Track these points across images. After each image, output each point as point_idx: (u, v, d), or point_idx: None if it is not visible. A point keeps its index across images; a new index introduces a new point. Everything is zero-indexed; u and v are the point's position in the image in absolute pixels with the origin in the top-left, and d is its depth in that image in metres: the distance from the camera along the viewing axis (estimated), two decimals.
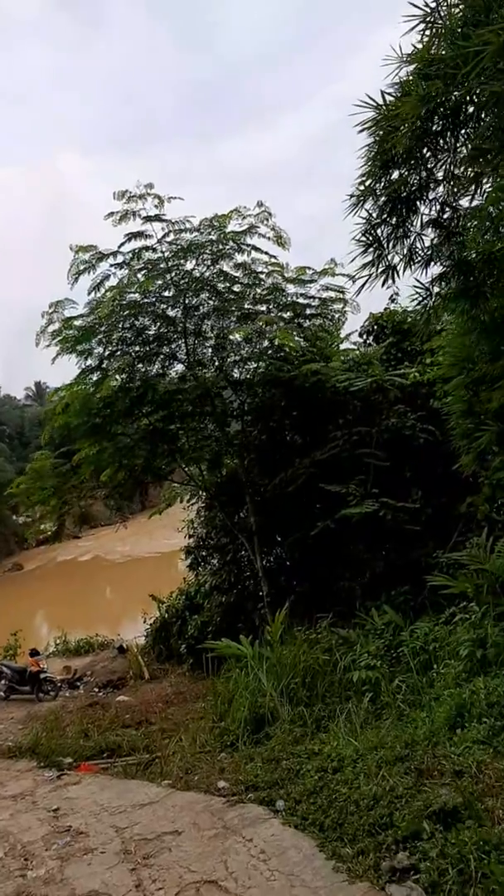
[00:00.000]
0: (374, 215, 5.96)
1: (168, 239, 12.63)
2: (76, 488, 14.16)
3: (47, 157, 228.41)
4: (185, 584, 17.51)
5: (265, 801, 6.51)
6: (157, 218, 12.30)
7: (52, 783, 8.80)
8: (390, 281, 6.35)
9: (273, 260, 13.53)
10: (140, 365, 13.74)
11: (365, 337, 14.88)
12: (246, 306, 13.70)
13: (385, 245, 6.11)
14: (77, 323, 12.80)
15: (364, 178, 5.69)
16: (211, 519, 16.30)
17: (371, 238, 6.08)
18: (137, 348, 13.58)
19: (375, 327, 14.50)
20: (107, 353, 13.37)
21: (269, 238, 13.29)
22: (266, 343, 13.82)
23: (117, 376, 13.27)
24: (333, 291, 14.07)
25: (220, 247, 13.02)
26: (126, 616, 41.02)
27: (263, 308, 13.81)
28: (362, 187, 5.77)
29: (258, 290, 13.78)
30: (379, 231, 6.06)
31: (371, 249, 6.13)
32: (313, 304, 14.26)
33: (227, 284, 13.57)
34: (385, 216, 5.94)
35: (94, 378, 13.41)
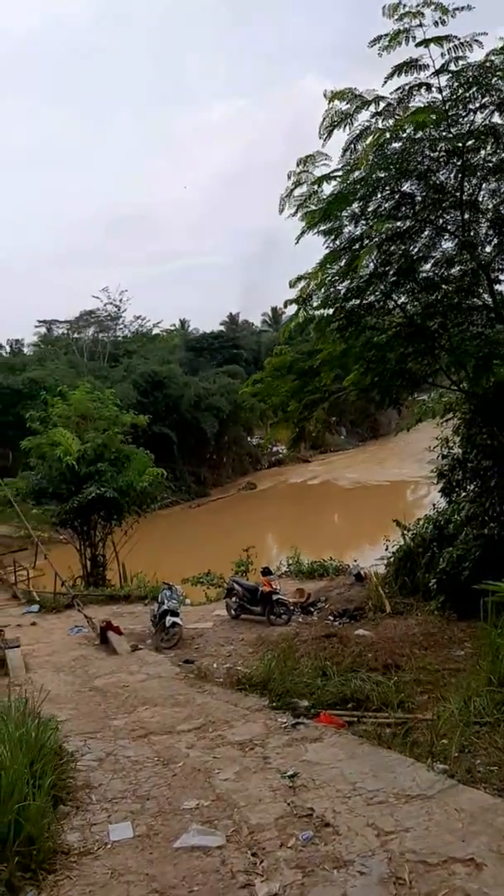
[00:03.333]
0: None
1: (452, 68, 9.77)
2: (318, 390, 12.25)
3: (285, 82, 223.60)
4: (434, 510, 15.25)
5: None
6: (437, 40, 9.48)
7: (286, 733, 7.23)
8: None
9: None
10: (398, 244, 11.29)
11: None
12: None
13: None
14: (327, 188, 10.63)
15: None
16: (471, 437, 13.75)
17: None
18: (398, 224, 11.12)
19: None
20: (358, 230, 11.09)
21: None
22: None
23: (370, 257, 10.98)
24: None
25: None
26: (353, 542, 39.87)
27: None
28: None
29: None
30: None
31: None
32: None
33: None
34: None
35: (343, 262, 11.27)
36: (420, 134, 9.93)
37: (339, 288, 11.51)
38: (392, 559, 15.73)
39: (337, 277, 11.36)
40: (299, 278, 11.73)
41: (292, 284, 11.92)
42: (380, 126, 10.30)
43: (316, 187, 10.55)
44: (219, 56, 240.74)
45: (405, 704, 7.90)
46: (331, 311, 11.79)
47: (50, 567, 20.01)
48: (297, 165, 10.58)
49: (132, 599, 18.77)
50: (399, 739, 6.58)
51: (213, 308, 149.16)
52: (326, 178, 10.36)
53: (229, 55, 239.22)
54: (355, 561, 19.60)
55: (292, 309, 12.08)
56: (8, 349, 78.93)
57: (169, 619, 13.56)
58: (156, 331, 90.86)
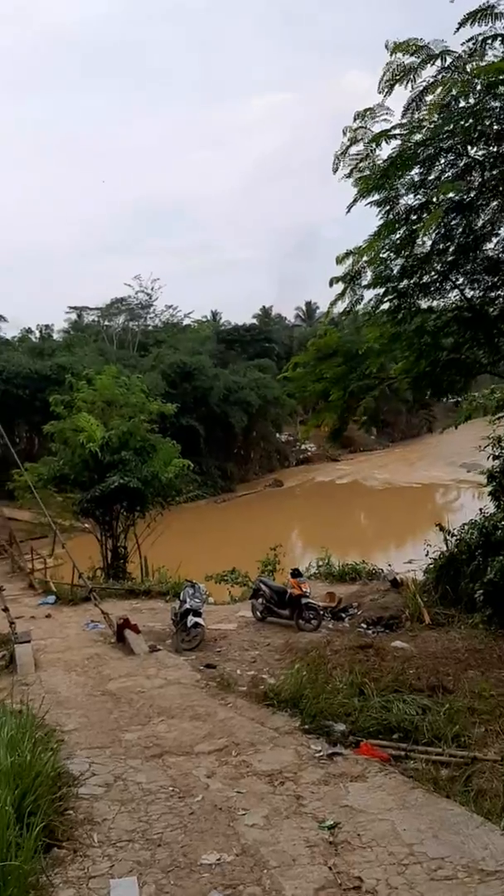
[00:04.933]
0: None
1: None
2: (366, 377, 11.14)
3: (328, 77, 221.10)
4: (480, 515, 14.09)
5: None
6: None
7: (321, 765, 6.25)
8: None
9: None
10: (461, 218, 10.16)
11: None
12: None
13: None
14: (384, 153, 9.53)
15: None
16: None
17: None
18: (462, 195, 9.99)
19: None
20: (417, 201, 10.01)
21: None
22: None
23: (429, 231, 9.87)
24: None
25: None
26: (380, 544, 38.79)
27: None
28: None
29: None
30: None
31: None
32: None
33: None
34: None
35: (398, 236, 10.20)
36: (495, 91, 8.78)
37: (392, 265, 10.43)
38: (432, 566, 14.59)
39: (391, 253, 10.29)
40: (348, 254, 10.67)
41: (339, 260, 10.88)
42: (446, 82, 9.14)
43: (374, 146, 9.44)
44: (262, 50, 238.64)
45: (461, 739, 6.82)
46: (381, 290, 10.71)
47: (69, 557, 19.21)
48: (355, 120, 9.48)
49: (153, 595, 17.87)
50: (460, 786, 5.54)
51: (245, 301, 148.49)
52: (385, 135, 9.23)
53: (273, 49, 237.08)
54: (389, 565, 18.49)
55: (338, 288, 11.05)
56: (37, 334, 78.61)
57: (191, 619, 12.62)
58: (187, 321, 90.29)
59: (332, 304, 11.11)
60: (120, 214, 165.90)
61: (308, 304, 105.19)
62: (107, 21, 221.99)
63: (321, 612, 13.69)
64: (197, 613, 12.76)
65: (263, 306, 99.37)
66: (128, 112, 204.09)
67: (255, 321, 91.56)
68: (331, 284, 11.19)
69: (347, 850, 4.55)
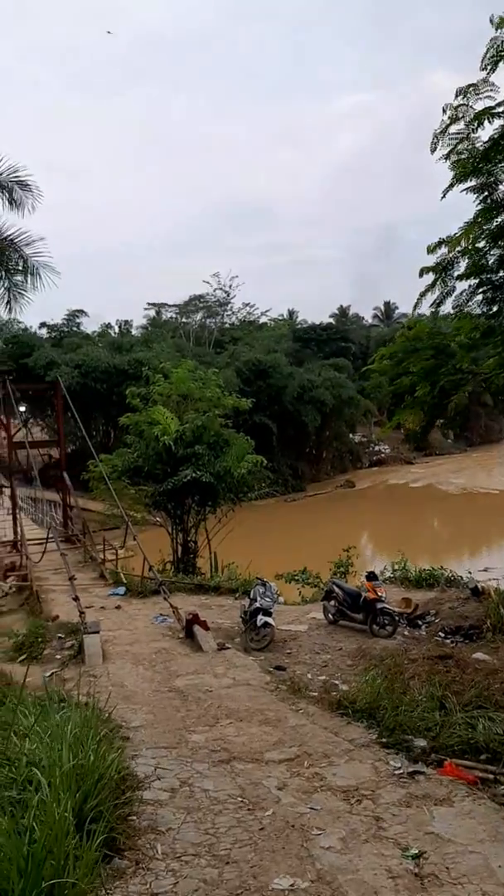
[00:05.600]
0: None
1: None
2: (458, 371, 10.45)
3: (413, 78, 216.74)
4: None
5: None
6: None
7: (402, 783, 5.78)
8: None
9: None
10: None
11: None
12: None
13: None
14: (485, 133, 8.91)
15: None
16: None
17: None
18: None
19: None
20: None
21: None
22: None
23: None
24: None
25: None
26: (453, 550, 37.55)
27: None
28: None
29: None
30: None
31: None
32: None
33: None
34: None
35: (496, 224, 9.58)
36: None
37: (489, 256, 9.81)
38: None
39: (487, 242, 9.67)
40: (440, 242, 10.11)
41: (430, 250, 10.32)
42: None
43: (476, 124, 8.84)
44: (347, 50, 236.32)
45: None
46: (475, 281, 10.09)
47: (140, 549, 19.17)
48: (456, 97, 8.91)
49: (222, 591, 17.60)
50: None
51: (322, 301, 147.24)
52: (489, 112, 8.62)
53: (359, 49, 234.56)
54: (469, 573, 17.70)
55: (428, 279, 10.49)
56: (116, 329, 79.87)
57: (261, 619, 12.27)
58: (263, 319, 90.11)
59: (422, 295, 10.53)
60: (202, 212, 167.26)
61: (387, 304, 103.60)
62: (193, 20, 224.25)
63: (397, 619, 13.12)
64: (267, 613, 12.40)
65: (341, 305, 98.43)
66: (214, 112, 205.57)
67: (331, 321, 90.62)
68: (420, 275, 10.63)
69: (435, 886, 4.09)
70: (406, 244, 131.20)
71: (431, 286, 10.46)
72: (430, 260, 10.48)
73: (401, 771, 6.06)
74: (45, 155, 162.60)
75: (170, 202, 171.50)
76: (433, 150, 9.26)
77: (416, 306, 10.44)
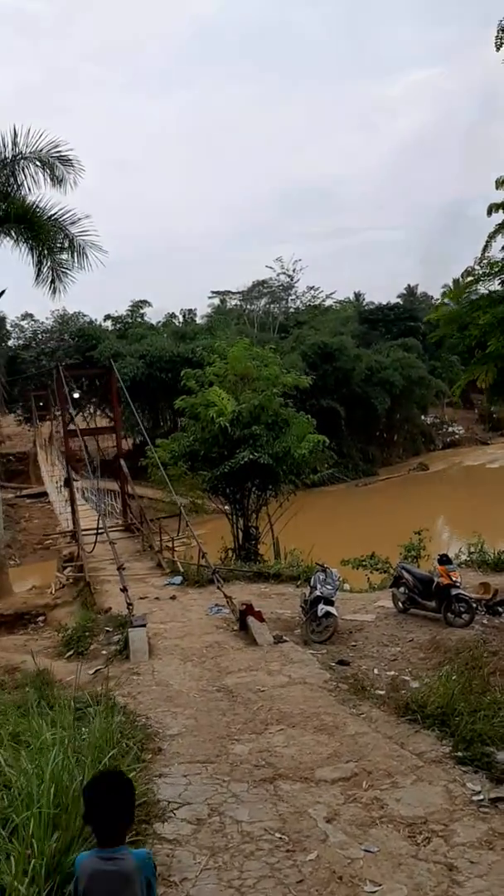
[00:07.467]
0: None
1: None
2: None
3: (476, 47, 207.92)
4: None
5: None
6: None
7: (482, 815, 4.60)
8: None
9: None
10: None
11: None
12: None
13: None
14: None
15: None
16: None
17: None
18: None
19: None
20: None
21: None
22: None
23: None
24: None
25: None
26: None
27: None
28: None
29: None
30: None
31: None
32: None
33: None
34: None
35: None
36: None
37: None
38: None
39: None
40: None
41: (500, 185, 8.96)
42: None
43: None
44: (406, 24, 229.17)
45: None
46: None
47: (193, 536, 18.33)
48: None
49: (283, 579, 16.53)
50: None
51: (389, 282, 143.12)
52: None
53: (419, 25, 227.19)
54: None
55: (497, 218, 9.12)
56: (181, 319, 79.56)
57: (322, 608, 11.17)
58: (328, 302, 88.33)
59: (491, 236, 9.18)
60: (264, 200, 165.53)
61: (456, 281, 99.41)
62: (249, 7, 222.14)
63: (474, 606, 11.76)
64: (329, 602, 11.28)
65: (408, 285, 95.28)
66: (273, 98, 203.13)
67: (399, 301, 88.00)
68: (489, 213, 9.27)
69: None
70: (474, 220, 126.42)
71: (502, 226, 9.10)
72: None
73: (481, 797, 4.89)
74: (112, 154, 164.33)
75: (233, 192, 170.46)
76: None
77: (484, 248, 9.08)
